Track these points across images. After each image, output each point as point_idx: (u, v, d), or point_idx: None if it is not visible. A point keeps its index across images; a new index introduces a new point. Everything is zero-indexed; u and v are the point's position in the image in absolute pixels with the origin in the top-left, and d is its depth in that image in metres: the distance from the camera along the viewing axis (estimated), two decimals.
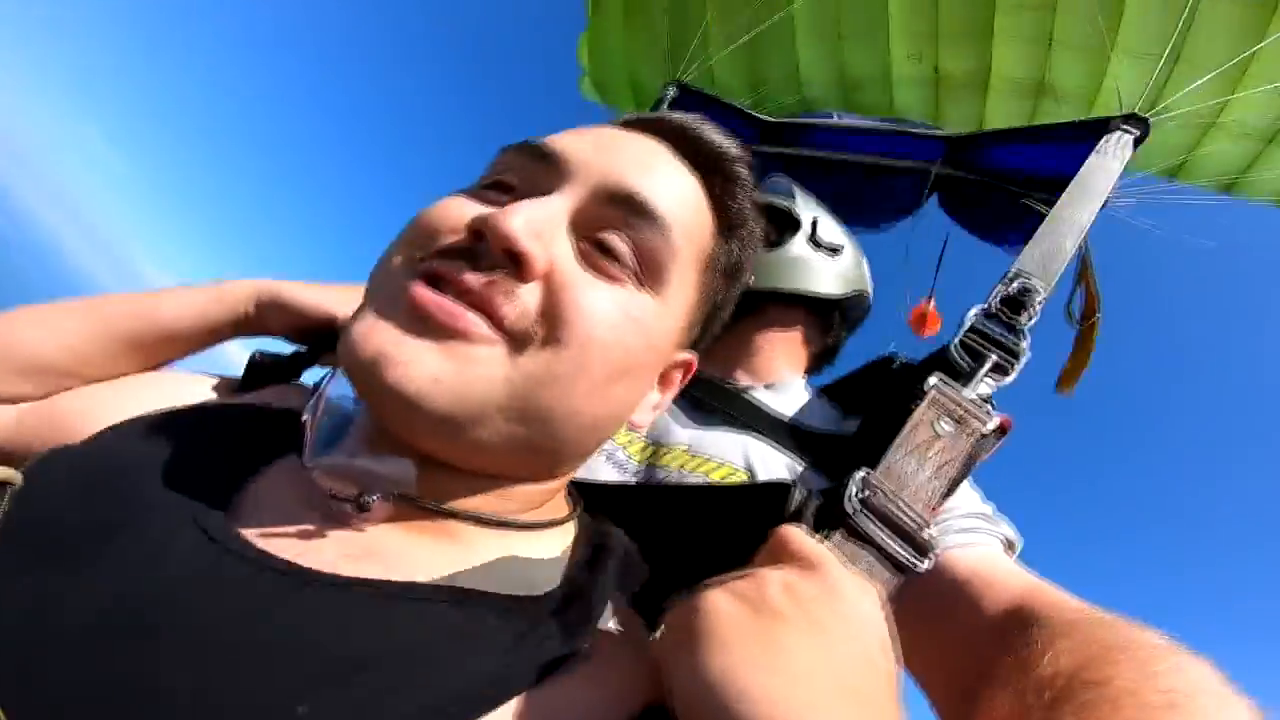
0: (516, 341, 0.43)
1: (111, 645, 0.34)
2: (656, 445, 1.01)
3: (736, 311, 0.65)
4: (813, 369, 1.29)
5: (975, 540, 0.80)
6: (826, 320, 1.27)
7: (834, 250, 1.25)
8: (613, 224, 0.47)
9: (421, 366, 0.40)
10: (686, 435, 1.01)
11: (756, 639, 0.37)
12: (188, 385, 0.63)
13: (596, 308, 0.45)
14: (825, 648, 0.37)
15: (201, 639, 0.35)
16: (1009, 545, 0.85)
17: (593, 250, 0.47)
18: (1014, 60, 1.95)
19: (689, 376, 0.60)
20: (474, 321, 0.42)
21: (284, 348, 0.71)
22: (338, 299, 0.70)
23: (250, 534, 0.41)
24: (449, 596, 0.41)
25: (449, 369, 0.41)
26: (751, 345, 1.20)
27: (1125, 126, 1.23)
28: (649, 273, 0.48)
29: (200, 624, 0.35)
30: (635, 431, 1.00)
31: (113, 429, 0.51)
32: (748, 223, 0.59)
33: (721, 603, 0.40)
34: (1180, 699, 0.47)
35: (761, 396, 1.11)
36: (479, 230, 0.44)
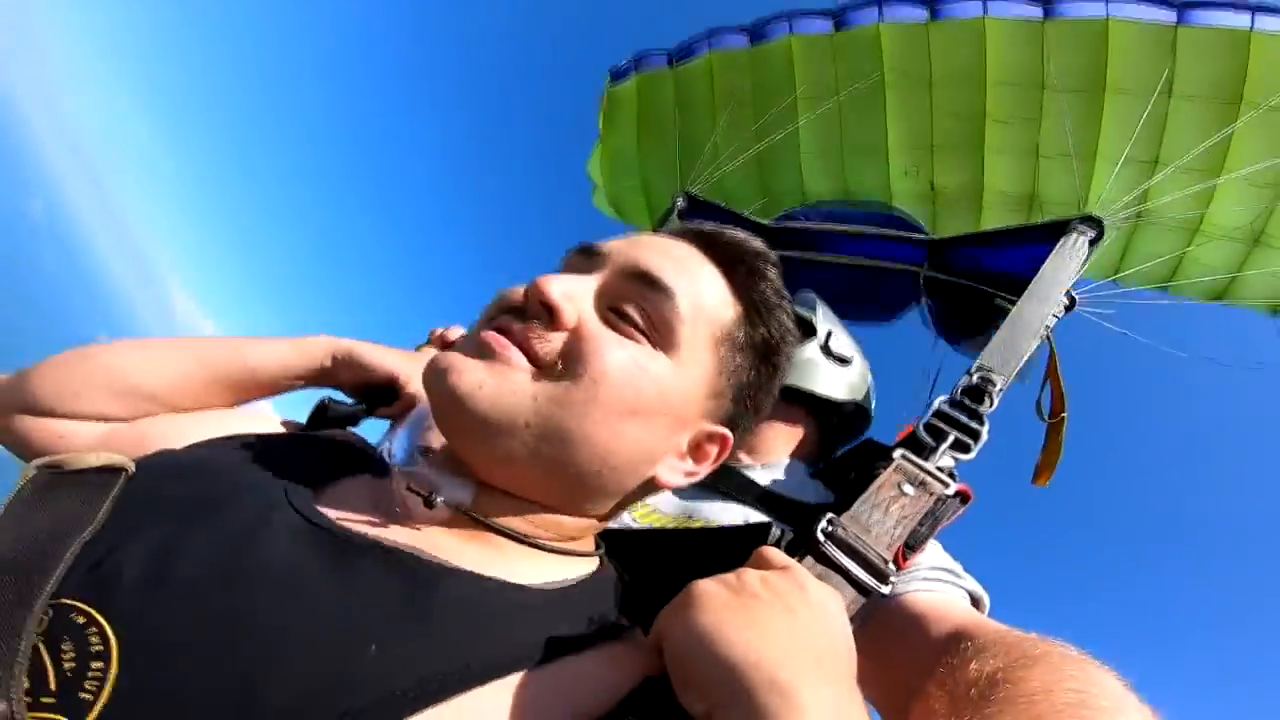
0: (543, 371, 0.54)
1: (220, 588, 0.43)
2: (659, 512, 1.14)
3: None
4: (807, 463, 1.38)
5: (937, 588, 0.89)
6: (825, 421, 1.40)
7: (842, 360, 1.40)
8: (630, 296, 0.58)
9: (471, 375, 0.53)
10: (688, 504, 1.16)
11: (737, 609, 0.47)
12: (259, 421, 0.73)
13: (609, 352, 0.55)
14: (794, 624, 0.46)
15: (292, 587, 0.44)
16: (975, 601, 0.93)
17: (613, 316, 0.58)
18: (1002, 173, 2.11)
19: (724, 453, 0.66)
20: (514, 352, 0.54)
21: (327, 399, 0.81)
22: (399, 361, 0.84)
23: (334, 515, 0.52)
24: (497, 582, 0.51)
25: (490, 381, 0.53)
26: (754, 430, 1.32)
27: (1081, 227, 1.36)
28: (660, 335, 0.58)
29: (292, 575, 0.45)
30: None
31: (204, 443, 0.62)
32: (774, 310, 0.65)
33: (709, 586, 0.50)
34: (1087, 697, 0.55)
35: (756, 474, 1.24)
36: (528, 293, 0.58)
